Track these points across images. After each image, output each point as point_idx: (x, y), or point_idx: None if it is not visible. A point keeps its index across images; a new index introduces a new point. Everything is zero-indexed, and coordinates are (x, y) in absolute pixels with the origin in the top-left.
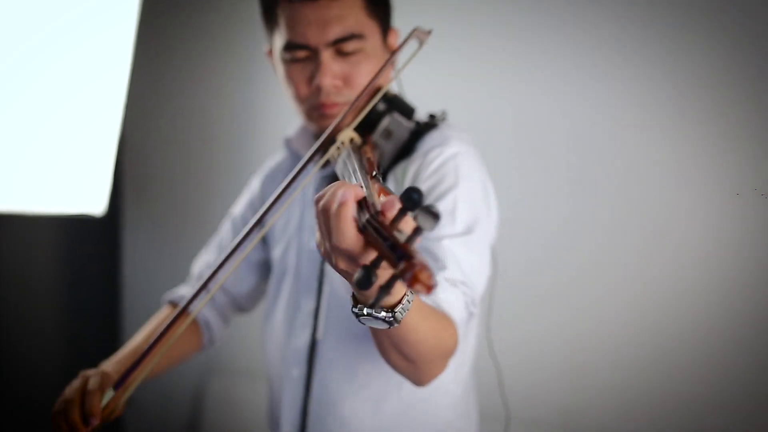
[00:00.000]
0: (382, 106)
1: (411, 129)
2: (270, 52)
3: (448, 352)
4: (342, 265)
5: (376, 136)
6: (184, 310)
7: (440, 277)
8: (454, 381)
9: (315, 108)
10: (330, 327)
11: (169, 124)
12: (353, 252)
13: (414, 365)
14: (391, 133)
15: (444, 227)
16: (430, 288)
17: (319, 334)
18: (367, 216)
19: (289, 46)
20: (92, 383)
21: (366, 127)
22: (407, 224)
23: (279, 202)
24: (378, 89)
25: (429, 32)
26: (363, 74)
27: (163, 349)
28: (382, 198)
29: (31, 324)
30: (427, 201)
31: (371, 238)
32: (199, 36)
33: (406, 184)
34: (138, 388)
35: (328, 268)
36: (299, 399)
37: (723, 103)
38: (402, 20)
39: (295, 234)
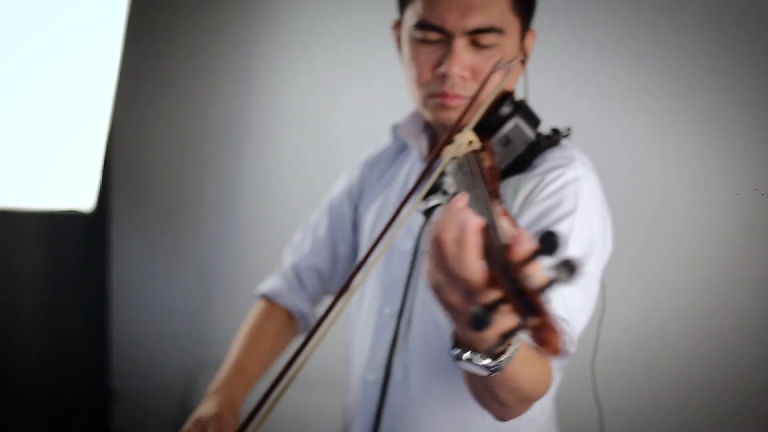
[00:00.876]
0: (506, 110)
1: (530, 141)
2: (397, 26)
3: (541, 396)
4: (455, 299)
5: (494, 141)
6: (313, 333)
7: None
8: (539, 409)
9: (434, 96)
10: (415, 334)
11: (159, 118)
12: (475, 284)
13: (504, 407)
14: (510, 141)
15: None
16: (557, 353)
17: (400, 340)
18: (493, 250)
19: (422, 25)
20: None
21: (485, 130)
22: (535, 269)
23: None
24: (502, 92)
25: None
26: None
27: (286, 382)
28: (508, 229)
29: (18, 321)
30: (541, 225)
31: (494, 274)
32: (190, 30)
33: (518, 204)
34: (126, 384)
35: (418, 269)
36: (373, 406)
37: (723, 103)
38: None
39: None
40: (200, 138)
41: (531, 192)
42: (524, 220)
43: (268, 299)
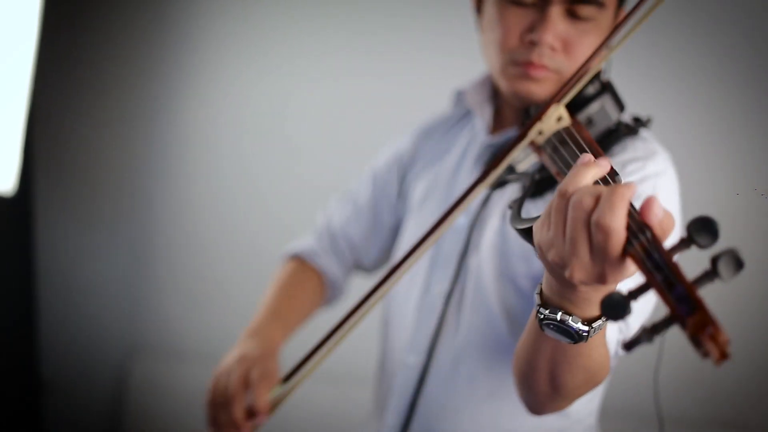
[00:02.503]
0: (593, 89)
1: (610, 126)
2: None
3: (597, 384)
4: (583, 276)
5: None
6: (371, 295)
7: None
8: (587, 411)
9: (518, 64)
10: (465, 317)
11: (82, 98)
12: (618, 241)
13: (555, 393)
14: (593, 123)
15: None
16: (724, 356)
17: (448, 322)
18: (641, 233)
19: None
20: (256, 375)
21: (571, 108)
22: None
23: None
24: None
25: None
26: (586, 45)
27: (338, 338)
28: (652, 210)
29: None
30: None
31: (637, 258)
32: (111, 7)
33: None
34: (57, 371)
35: (473, 247)
36: (410, 390)
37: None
38: None
39: (440, 205)
40: (125, 116)
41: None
42: None
43: (301, 260)
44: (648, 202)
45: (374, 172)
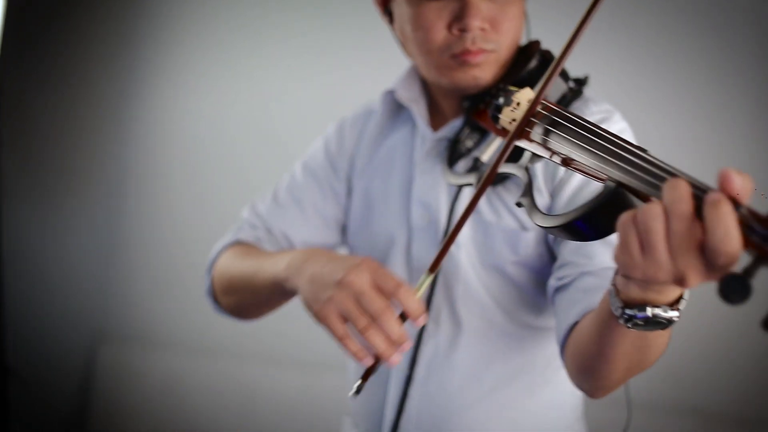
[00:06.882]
0: (534, 63)
1: (563, 93)
2: None
3: (653, 363)
4: (698, 279)
5: None
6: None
7: None
8: (575, 417)
9: (454, 56)
10: (458, 315)
11: (48, 78)
12: (737, 259)
13: (628, 377)
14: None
15: None
16: None
17: (429, 328)
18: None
19: None
20: (382, 276)
21: (519, 86)
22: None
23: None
24: (518, 44)
25: None
26: (511, 18)
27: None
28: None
29: None
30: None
31: (746, 236)
32: None
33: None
34: (23, 358)
35: (454, 250)
36: (398, 398)
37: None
38: None
39: (401, 207)
40: (95, 101)
41: None
42: (573, 183)
43: (246, 245)
44: (723, 176)
45: (310, 170)
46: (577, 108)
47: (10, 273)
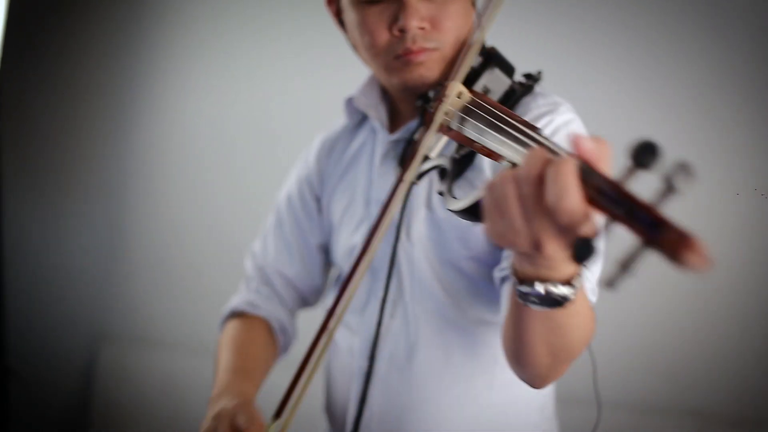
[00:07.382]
0: (480, 60)
1: (507, 90)
2: (330, 1)
3: (588, 343)
4: (556, 246)
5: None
6: (328, 321)
7: None
8: (541, 404)
9: (398, 57)
10: (410, 314)
11: (50, 77)
12: (580, 218)
13: (556, 360)
14: (490, 91)
15: None
16: (707, 261)
17: (385, 323)
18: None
19: None
20: (243, 420)
21: (466, 84)
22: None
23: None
24: (465, 41)
25: None
26: (451, 16)
27: (313, 365)
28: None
29: None
30: None
31: (594, 202)
32: None
33: None
34: (24, 358)
35: (405, 243)
36: (358, 397)
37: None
38: None
39: (364, 212)
40: (96, 101)
41: None
42: None
43: (242, 315)
44: (574, 142)
45: (288, 198)
46: (526, 103)
47: (10, 273)
